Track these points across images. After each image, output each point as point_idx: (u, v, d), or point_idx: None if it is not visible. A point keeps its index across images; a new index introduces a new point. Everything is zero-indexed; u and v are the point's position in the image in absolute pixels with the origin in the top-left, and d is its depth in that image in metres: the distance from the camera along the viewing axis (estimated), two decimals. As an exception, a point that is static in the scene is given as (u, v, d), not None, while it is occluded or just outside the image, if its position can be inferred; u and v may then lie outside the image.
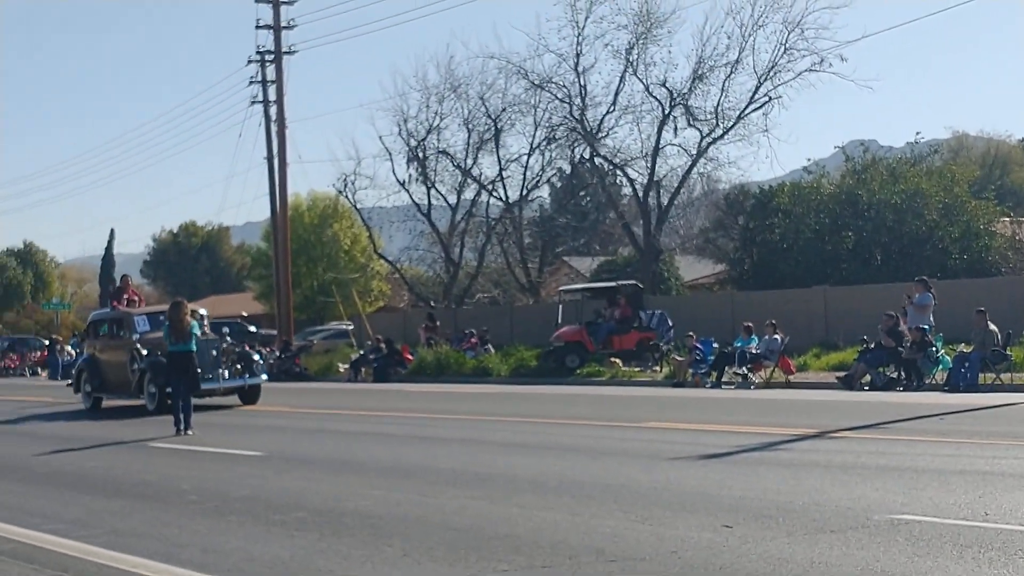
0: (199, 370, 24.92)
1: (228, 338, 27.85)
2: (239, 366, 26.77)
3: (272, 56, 48.82)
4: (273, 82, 49.03)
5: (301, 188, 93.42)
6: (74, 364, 54.24)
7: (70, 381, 32.71)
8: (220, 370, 26.14)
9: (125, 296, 29.41)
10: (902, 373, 25.66)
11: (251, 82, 49.90)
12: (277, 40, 48.53)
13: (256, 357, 28.10)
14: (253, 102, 49.97)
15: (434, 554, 9.02)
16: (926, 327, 25.44)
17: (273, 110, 49.16)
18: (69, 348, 57.21)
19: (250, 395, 27.14)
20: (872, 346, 26.43)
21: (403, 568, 8.64)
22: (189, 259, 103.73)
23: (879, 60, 64.00)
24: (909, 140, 51.75)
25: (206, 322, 28.26)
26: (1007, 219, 45.95)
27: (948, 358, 25.25)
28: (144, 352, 25.86)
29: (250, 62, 49.71)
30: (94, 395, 28.08)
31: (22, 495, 13.87)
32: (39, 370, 59.81)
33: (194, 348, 21.29)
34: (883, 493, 10.88)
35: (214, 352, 26.12)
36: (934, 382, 25.06)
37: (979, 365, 24.34)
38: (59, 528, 11.04)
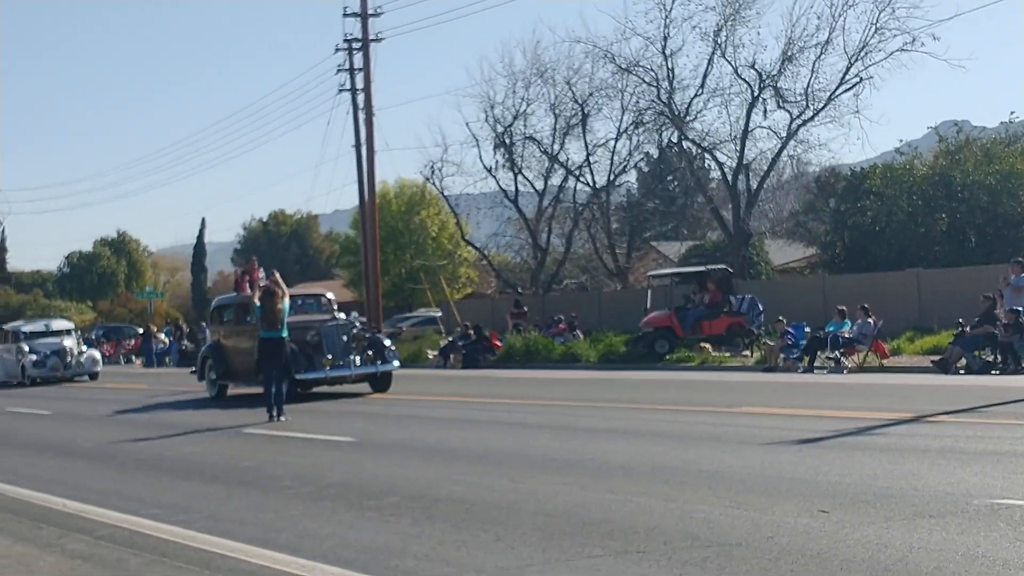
0: (334, 355, 24.59)
1: (358, 323, 26.62)
2: (370, 352, 25.76)
3: (359, 44, 49.05)
4: (360, 70, 49.26)
5: (389, 175, 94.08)
6: (168, 352, 55.32)
7: (193, 368, 32.17)
8: (351, 356, 25.21)
9: (250, 279, 27.87)
10: (998, 356, 25.20)
11: (339, 70, 50.19)
12: (364, 28, 48.74)
13: (387, 343, 26.98)
14: (341, 90, 50.26)
15: (527, 539, 9.02)
16: (1021, 309, 24.96)
17: (360, 98, 49.37)
18: (162, 336, 58.08)
19: (382, 382, 26.06)
20: (968, 328, 26.00)
21: (497, 553, 8.65)
22: (279, 247, 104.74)
23: (972, 38, 62.78)
24: (1003, 120, 50.74)
25: (335, 306, 27.79)
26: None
27: (1046, 341, 24.75)
28: None
29: (338, 50, 49.99)
30: (219, 383, 27.14)
31: (122, 481, 14.13)
32: (133, 358, 60.78)
33: (285, 335, 21.40)
34: (983, 478, 10.69)
35: (344, 338, 25.25)
36: (1032, 365, 24.59)
37: (1078, 348, 23.82)
38: (157, 513, 11.21)
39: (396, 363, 26.68)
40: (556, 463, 13.19)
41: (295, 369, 23.96)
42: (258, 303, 21.74)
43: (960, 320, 26.72)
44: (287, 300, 21.79)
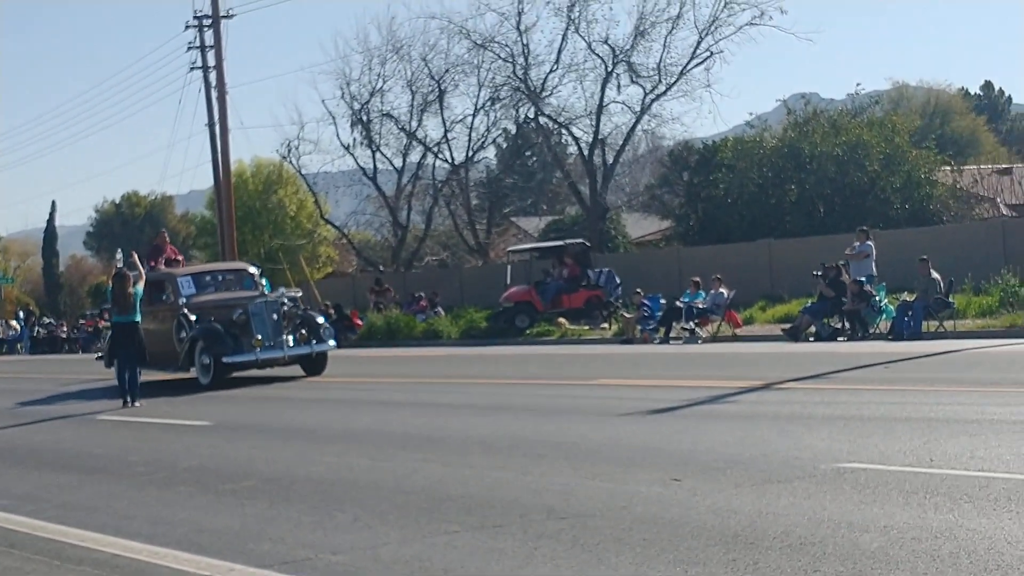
0: (264, 335, 22.94)
1: (287, 299, 24.51)
2: (303, 331, 23.79)
3: (210, 20, 48.15)
4: (212, 47, 48.30)
5: (245, 155, 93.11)
6: (20, 339, 53.93)
7: (99, 355, 28.15)
8: (283, 337, 23.23)
9: (164, 256, 25.86)
10: (846, 324, 25.87)
11: (189, 47, 49.14)
12: (214, 3, 47.86)
13: (321, 320, 25.36)
14: (192, 68, 49.23)
15: (386, 518, 9.02)
16: (863, 279, 25.65)
17: (213, 76, 48.46)
18: (14, 323, 56.59)
19: (316, 364, 24.17)
20: (815, 298, 26.65)
21: (354, 533, 8.62)
22: (133, 229, 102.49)
23: (819, 12, 64.38)
24: (850, 92, 52.07)
25: (263, 280, 25.89)
26: (948, 168, 46.22)
27: (892, 307, 25.47)
28: (193, 318, 23.06)
29: (188, 27, 48.97)
30: None
31: (-32, 472, 13.73)
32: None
33: (138, 319, 20.93)
34: (829, 442, 10.97)
35: (275, 316, 23.29)
36: (878, 331, 25.28)
37: (922, 313, 24.56)
38: (6, 504, 10.94)
39: (332, 343, 25.15)
40: (416, 440, 13.21)
41: (222, 352, 22.77)
42: (110, 285, 21.26)
43: (815, 271, 27.02)
44: (141, 284, 21.33)
